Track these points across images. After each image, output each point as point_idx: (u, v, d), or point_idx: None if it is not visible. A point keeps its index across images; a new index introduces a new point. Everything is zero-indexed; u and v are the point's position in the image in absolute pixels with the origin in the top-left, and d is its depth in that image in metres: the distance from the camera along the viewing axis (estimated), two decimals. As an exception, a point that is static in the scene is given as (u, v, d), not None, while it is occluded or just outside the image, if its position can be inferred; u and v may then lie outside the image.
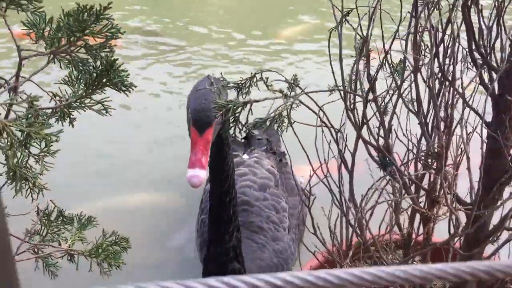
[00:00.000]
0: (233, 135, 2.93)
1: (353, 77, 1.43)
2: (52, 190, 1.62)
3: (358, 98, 1.55)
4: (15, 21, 1.37)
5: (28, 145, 1.41)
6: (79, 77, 1.51)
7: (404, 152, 1.57)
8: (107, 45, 1.25)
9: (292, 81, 1.53)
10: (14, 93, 1.33)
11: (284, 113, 1.47)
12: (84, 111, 1.57)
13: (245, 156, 2.88)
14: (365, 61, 1.43)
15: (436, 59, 1.36)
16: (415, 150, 1.49)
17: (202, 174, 1.63)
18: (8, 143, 1.24)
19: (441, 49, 1.38)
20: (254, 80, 1.61)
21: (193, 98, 1.77)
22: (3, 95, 1.34)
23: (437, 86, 1.42)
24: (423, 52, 1.47)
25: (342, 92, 1.48)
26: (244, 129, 1.50)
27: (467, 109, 1.36)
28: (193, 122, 1.70)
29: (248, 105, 1.50)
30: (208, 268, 2.15)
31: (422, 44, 1.49)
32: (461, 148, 1.37)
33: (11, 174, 1.40)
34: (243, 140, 3.07)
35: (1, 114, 1.30)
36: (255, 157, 2.82)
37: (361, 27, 1.42)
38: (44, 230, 1.62)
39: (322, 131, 1.60)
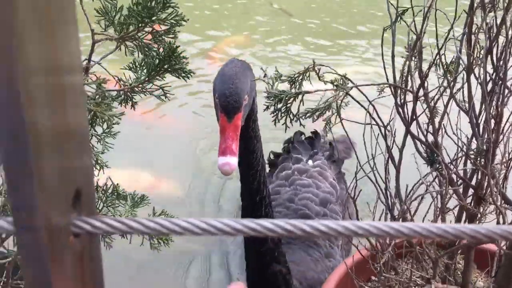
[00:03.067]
0: (301, 137, 2.96)
1: (405, 73, 1.46)
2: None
3: (408, 97, 1.58)
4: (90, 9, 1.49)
5: (94, 124, 1.52)
6: (142, 64, 1.61)
7: (453, 150, 1.57)
8: (171, 31, 1.33)
9: (343, 76, 1.58)
10: (85, 74, 1.44)
11: (334, 105, 1.52)
12: (145, 95, 1.68)
13: (310, 163, 2.80)
14: (417, 58, 1.45)
15: (490, 58, 1.37)
16: (465, 149, 1.49)
17: (233, 161, 1.58)
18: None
19: (494, 48, 1.38)
20: (307, 74, 1.67)
21: (219, 82, 1.69)
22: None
23: (490, 85, 1.42)
24: (477, 52, 1.48)
25: (392, 88, 1.51)
26: (295, 119, 1.55)
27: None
28: (221, 107, 1.64)
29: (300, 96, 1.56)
30: (250, 267, 2.13)
31: (477, 45, 1.50)
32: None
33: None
34: (305, 140, 2.99)
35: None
36: (319, 166, 2.75)
37: (415, 25, 1.44)
38: (100, 204, 1.73)
39: (371, 126, 1.63)
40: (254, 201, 1.93)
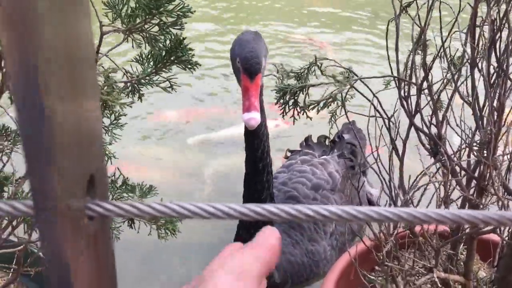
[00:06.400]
0: (324, 137, 2.98)
1: (409, 66, 1.47)
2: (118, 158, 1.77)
3: (412, 90, 1.59)
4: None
5: (102, 111, 1.54)
6: (149, 56, 1.63)
7: (454, 145, 1.59)
8: (178, 23, 1.35)
9: (347, 69, 1.60)
10: (94, 65, 1.47)
11: (338, 97, 1.54)
12: (152, 87, 1.70)
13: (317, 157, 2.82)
14: (421, 51, 1.46)
15: (493, 51, 1.38)
16: (468, 141, 1.51)
17: (257, 116, 1.74)
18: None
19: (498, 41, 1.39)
20: (312, 69, 1.69)
21: (238, 47, 1.87)
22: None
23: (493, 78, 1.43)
24: (481, 45, 1.49)
25: (396, 81, 1.52)
26: (302, 111, 1.58)
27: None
28: (244, 69, 1.81)
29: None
30: (240, 233, 2.25)
31: (482, 38, 1.51)
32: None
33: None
34: (328, 143, 3.00)
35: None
36: (324, 158, 2.77)
37: (419, 17, 1.46)
38: (109, 196, 1.76)
39: (376, 118, 1.64)
40: (257, 168, 2.09)
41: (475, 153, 1.40)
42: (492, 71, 1.39)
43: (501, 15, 1.31)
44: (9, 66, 0.37)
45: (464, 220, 0.54)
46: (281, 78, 1.61)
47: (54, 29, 0.37)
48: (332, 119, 1.76)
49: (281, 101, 1.53)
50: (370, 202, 2.85)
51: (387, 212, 0.54)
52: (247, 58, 1.80)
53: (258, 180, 2.13)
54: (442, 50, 1.48)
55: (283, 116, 1.62)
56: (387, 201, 1.71)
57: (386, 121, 1.61)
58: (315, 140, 3.05)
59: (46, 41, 0.35)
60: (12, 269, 1.59)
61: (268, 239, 0.57)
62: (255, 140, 2.05)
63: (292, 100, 1.50)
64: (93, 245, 0.47)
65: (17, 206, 0.45)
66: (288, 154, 3.03)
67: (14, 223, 1.46)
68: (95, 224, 0.48)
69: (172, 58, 1.55)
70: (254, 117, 1.74)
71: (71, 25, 0.40)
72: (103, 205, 0.48)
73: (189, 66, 1.55)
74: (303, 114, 1.58)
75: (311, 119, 1.58)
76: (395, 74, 1.53)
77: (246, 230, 2.20)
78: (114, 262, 0.54)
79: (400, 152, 1.62)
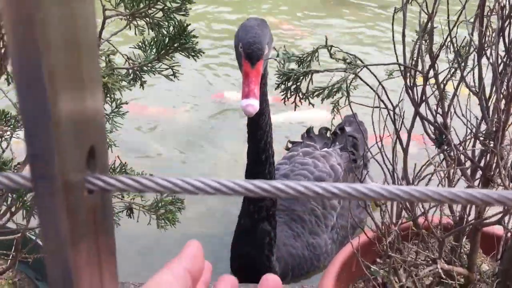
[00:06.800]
0: (325, 129, 2.96)
1: (415, 54, 1.45)
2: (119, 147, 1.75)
3: (418, 81, 1.57)
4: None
5: (104, 95, 1.52)
6: (152, 43, 1.61)
7: (462, 132, 1.57)
8: (182, 8, 1.33)
9: (353, 56, 1.57)
10: (95, 50, 1.44)
11: (344, 86, 1.52)
12: (154, 74, 1.68)
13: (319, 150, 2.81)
14: (427, 39, 1.44)
15: (502, 39, 1.36)
16: (474, 131, 1.49)
17: (256, 103, 1.72)
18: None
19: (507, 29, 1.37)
20: (316, 55, 1.66)
21: (242, 33, 1.86)
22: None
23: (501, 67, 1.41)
24: (489, 34, 1.47)
25: (402, 69, 1.50)
26: (304, 98, 1.55)
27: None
28: (245, 55, 1.80)
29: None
30: (241, 222, 2.23)
31: (490, 27, 1.49)
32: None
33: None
34: (329, 135, 2.98)
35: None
36: (325, 151, 2.75)
37: (427, 4, 1.43)
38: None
39: (380, 108, 1.62)
40: (260, 159, 2.09)
41: (481, 143, 1.38)
42: (499, 60, 1.36)
43: (511, 2, 1.29)
44: (10, 46, 0.35)
45: (479, 200, 0.52)
46: (283, 62, 1.58)
47: (57, 14, 0.35)
48: (335, 109, 1.73)
49: (282, 86, 1.51)
50: None
51: (398, 190, 0.52)
52: (249, 43, 1.79)
53: (260, 171, 2.11)
54: (449, 38, 1.46)
55: (284, 102, 1.60)
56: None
57: (391, 112, 1.58)
58: (316, 131, 3.03)
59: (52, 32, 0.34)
60: (10, 256, 1.58)
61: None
62: (258, 131, 2.04)
63: (294, 86, 1.47)
64: (93, 221, 0.45)
65: (14, 178, 0.43)
66: (289, 145, 3.02)
67: (13, 209, 1.45)
68: (95, 198, 0.46)
69: (175, 45, 1.53)
70: (252, 104, 1.72)
71: (75, 12, 0.38)
72: (104, 178, 0.46)
73: (193, 54, 1.53)
74: (305, 100, 1.56)
75: (313, 106, 1.56)
76: (401, 62, 1.51)
77: (249, 218, 2.18)
78: (114, 240, 0.52)
79: (405, 142, 1.60)
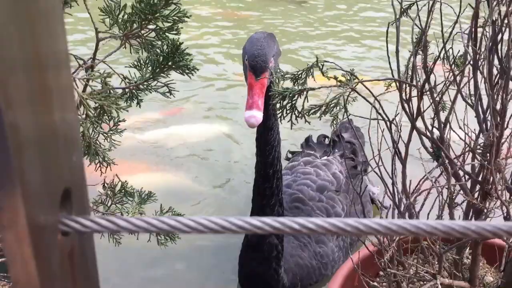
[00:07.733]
0: (323, 137, 2.95)
1: (410, 68, 1.44)
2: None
3: (413, 93, 1.56)
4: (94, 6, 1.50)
5: (101, 116, 1.52)
6: (147, 61, 1.62)
7: (459, 146, 1.56)
8: (174, 28, 1.34)
9: (348, 72, 1.57)
10: (91, 71, 1.45)
11: (341, 101, 1.51)
12: (150, 92, 1.69)
13: (319, 158, 2.82)
14: (422, 52, 1.44)
15: (496, 53, 1.35)
16: (471, 144, 1.48)
17: (259, 115, 1.73)
18: (84, 115, 1.35)
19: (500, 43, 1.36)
20: (311, 71, 1.66)
21: (248, 46, 1.89)
22: (81, 73, 1.47)
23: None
24: (484, 46, 1.46)
25: (397, 83, 1.49)
26: (300, 115, 1.55)
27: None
28: (250, 67, 1.82)
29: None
30: (248, 236, 2.23)
31: (485, 39, 1.48)
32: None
33: (86, 146, 1.53)
34: (327, 142, 2.99)
35: (79, 88, 1.42)
36: (326, 159, 2.77)
37: (419, 19, 1.43)
38: (109, 201, 1.74)
39: (378, 122, 1.62)
40: (267, 173, 2.09)
41: (479, 157, 1.37)
42: (495, 72, 1.36)
43: (502, 16, 1.28)
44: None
45: (472, 232, 0.52)
46: (277, 81, 1.58)
47: (16, 35, 0.35)
48: (334, 122, 1.73)
49: (278, 105, 1.51)
50: (373, 201, 2.83)
51: (375, 225, 0.52)
52: (253, 55, 1.82)
53: (267, 186, 2.12)
54: (444, 52, 1.45)
55: (280, 120, 1.60)
56: (390, 204, 1.69)
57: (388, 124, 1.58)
58: (314, 139, 3.03)
59: (5, 49, 0.33)
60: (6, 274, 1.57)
61: None
62: (267, 147, 2.05)
63: (290, 105, 1.47)
64: (69, 263, 0.45)
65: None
66: (289, 155, 3.01)
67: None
68: (71, 240, 0.46)
69: (169, 63, 1.53)
70: (255, 116, 1.73)
71: (37, 32, 0.38)
72: (80, 220, 0.45)
73: (187, 71, 1.53)
74: (301, 118, 1.55)
75: (309, 123, 1.56)
76: (396, 77, 1.51)
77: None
78: (97, 280, 0.52)
79: (403, 155, 1.59)
